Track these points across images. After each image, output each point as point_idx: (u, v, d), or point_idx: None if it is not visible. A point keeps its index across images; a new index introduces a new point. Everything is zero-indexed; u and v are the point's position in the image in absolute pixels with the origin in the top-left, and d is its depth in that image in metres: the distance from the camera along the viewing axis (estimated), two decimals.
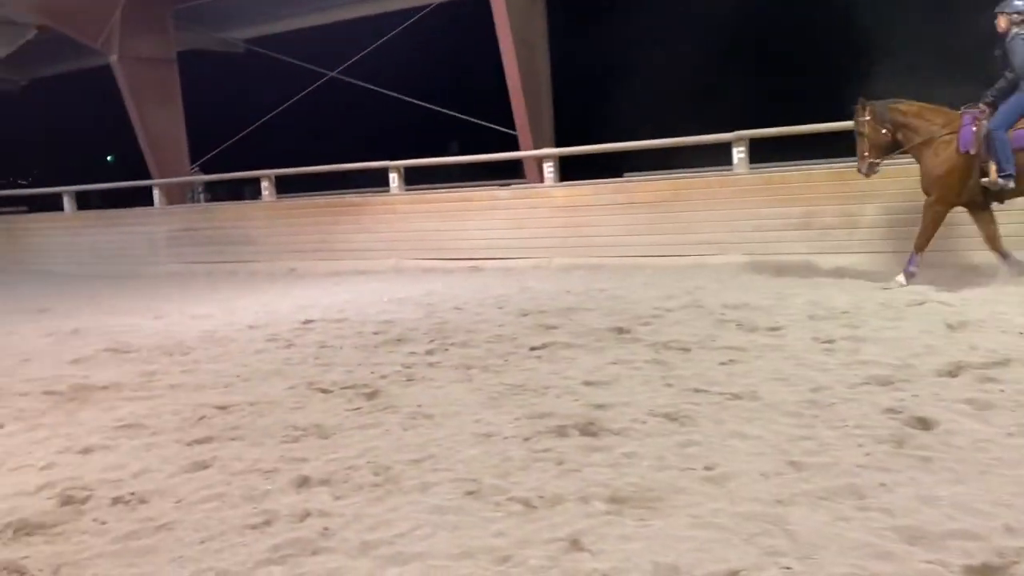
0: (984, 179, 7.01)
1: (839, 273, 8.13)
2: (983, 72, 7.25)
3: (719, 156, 10.20)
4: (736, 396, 4.28)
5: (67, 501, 3.43)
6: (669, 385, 4.59)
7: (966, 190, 7.20)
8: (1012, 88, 6.96)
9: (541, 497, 3.14)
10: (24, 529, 3.16)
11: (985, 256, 7.55)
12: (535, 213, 10.73)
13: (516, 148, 12.37)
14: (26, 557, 2.93)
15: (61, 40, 14.99)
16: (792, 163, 9.95)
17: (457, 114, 13.65)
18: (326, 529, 2.99)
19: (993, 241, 7.33)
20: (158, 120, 14.54)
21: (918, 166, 7.44)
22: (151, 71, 14.43)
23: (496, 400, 4.56)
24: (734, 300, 7.14)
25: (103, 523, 3.21)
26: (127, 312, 9.01)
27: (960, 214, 7.55)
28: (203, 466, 3.76)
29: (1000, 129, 6.89)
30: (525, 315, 7.21)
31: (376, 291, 9.44)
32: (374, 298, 8.91)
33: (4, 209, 16.68)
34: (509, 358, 5.59)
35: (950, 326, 5.63)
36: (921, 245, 7.37)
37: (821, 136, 9.12)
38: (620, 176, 11.39)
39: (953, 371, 4.51)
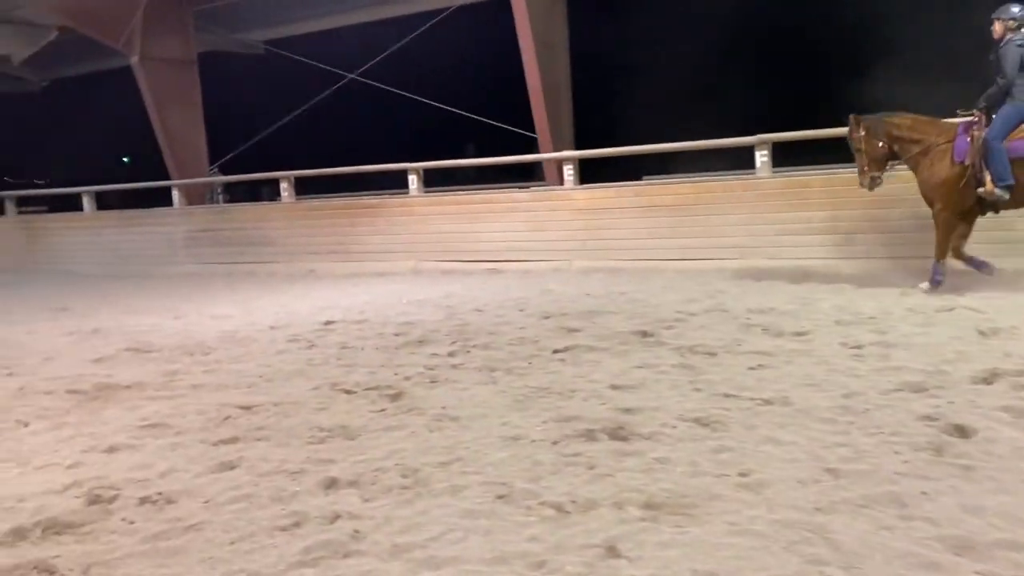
0: (980, 189, 7.02)
1: (863, 278, 8.04)
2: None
3: (740, 160, 10.14)
4: (767, 401, 4.22)
5: (94, 500, 3.41)
6: (698, 390, 4.53)
7: (966, 197, 7.19)
8: (1003, 94, 6.96)
9: (574, 502, 3.09)
10: (53, 528, 3.14)
11: (1013, 262, 7.45)
12: (555, 216, 10.69)
13: (531, 150, 12.36)
14: (56, 556, 2.91)
15: (80, 42, 15.08)
16: (815, 167, 9.86)
17: (476, 116, 13.62)
18: (357, 531, 2.95)
19: (958, 250, 7.37)
20: (178, 121, 14.59)
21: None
22: (171, 72, 14.49)
23: (522, 403, 4.51)
24: (758, 304, 7.06)
25: (131, 523, 3.18)
26: (147, 312, 9.02)
27: (984, 220, 7.46)
28: (230, 466, 3.73)
29: (996, 140, 6.89)
30: (547, 318, 7.16)
31: (395, 293, 9.42)
32: (394, 299, 8.89)
33: (24, 208, 16.77)
34: (532, 360, 5.55)
35: (982, 332, 5.54)
36: (940, 253, 7.36)
37: (844, 140, 9.02)
38: (637, 180, 11.35)
39: (988, 378, 4.43)
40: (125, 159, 23.99)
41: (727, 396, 4.36)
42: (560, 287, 8.98)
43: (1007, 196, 6.90)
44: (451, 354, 5.95)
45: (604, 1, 13.93)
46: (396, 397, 4.81)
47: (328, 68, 15.04)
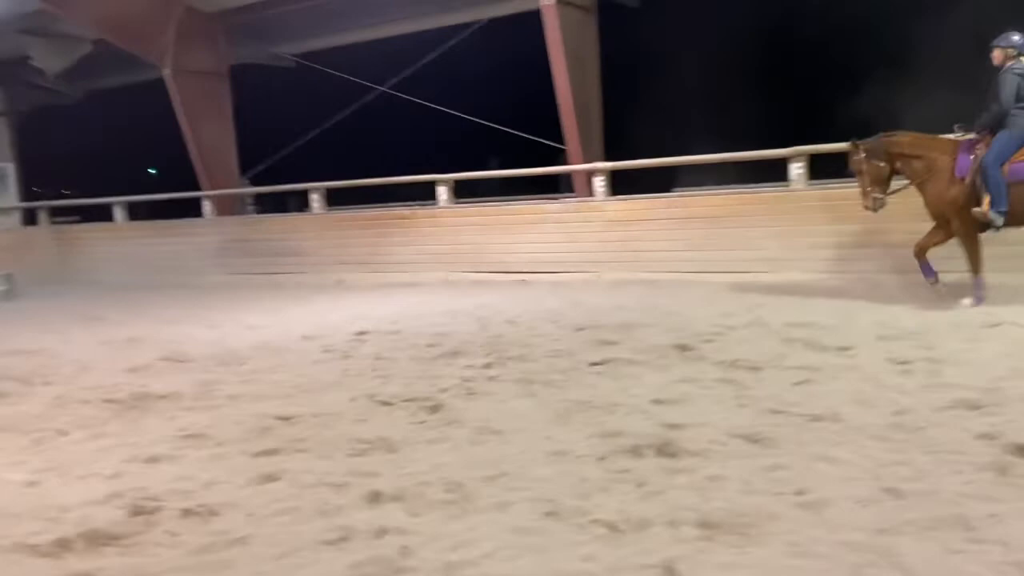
0: (976, 209, 7.02)
1: (902, 292, 7.87)
2: None
3: (773, 173, 10.03)
4: (817, 418, 4.11)
5: (137, 511, 3.38)
6: (743, 405, 4.43)
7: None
8: (997, 121, 6.97)
9: (626, 520, 3.02)
10: (97, 539, 3.11)
11: None
12: (585, 227, 10.61)
13: (555, 162, 12.36)
14: (101, 568, 2.88)
15: (111, 55, 15.25)
16: (852, 180, 9.70)
17: (507, 129, 13.60)
18: (405, 547, 2.90)
19: (923, 248, 7.39)
20: (209, 133, 14.68)
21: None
22: (203, 84, 14.60)
23: (563, 417, 4.44)
24: (797, 318, 6.94)
25: (175, 535, 3.15)
26: (180, 321, 9.05)
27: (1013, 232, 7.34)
28: (272, 478, 3.69)
29: (994, 166, 6.91)
30: (581, 330, 7.08)
31: (426, 303, 9.38)
32: (425, 310, 8.85)
33: (57, 219, 16.96)
34: (570, 373, 5.47)
35: None
36: (976, 268, 7.29)
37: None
38: (668, 192, 11.26)
39: None
40: (151, 170, 24.26)
41: (775, 412, 4.26)
42: (592, 299, 8.89)
43: (1000, 221, 6.96)
44: (487, 366, 5.89)
45: (634, 14, 13.86)
46: (435, 409, 4.76)
47: (358, 80, 15.09)
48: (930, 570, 2.52)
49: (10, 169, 17.44)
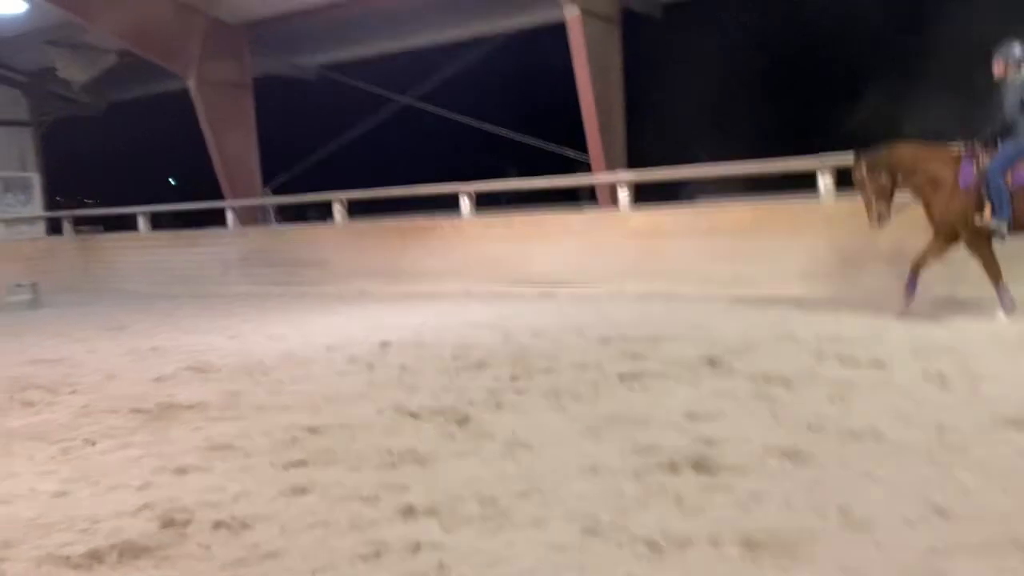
0: (977, 215, 7.04)
1: (933, 306, 7.74)
2: None
3: (801, 184, 9.94)
4: (856, 434, 4.02)
5: (168, 523, 3.34)
6: (779, 421, 4.35)
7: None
8: (1000, 131, 6.99)
9: (667, 538, 2.94)
10: (130, 552, 3.07)
11: None
12: (609, 239, 10.55)
13: (573, 173, 12.36)
14: None
15: (133, 66, 15.40)
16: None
17: (527, 139, 13.59)
18: (442, 564, 2.84)
19: (920, 263, 7.39)
20: (232, 143, 14.79)
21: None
22: (227, 95, 14.73)
23: (595, 431, 4.37)
24: (826, 332, 6.84)
25: (208, 547, 3.11)
26: (203, 331, 9.06)
27: None
28: (303, 491, 3.64)
29: (997, 175, 6.92)
30: (607, 342, 7.02)
31: (448, 314, 9.35)
32: (447, 321, 8.82)
33: (80, 228, 17.11)
34: (599, 387, 5.40)
35: None
36: (995, 276, 7.23)
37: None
38: (690, 202, 11.20)
39: None
40: (172, 180, 24.48)
41: (812, 428, 4.17)
42: (616, 311, 8.83)
43: (1004, 230, 6.95)
44: (513, 378, 5.83)
45: (659, 25, 13.84)
46: (463, 422, 4.70)
47: (380, 91, 15.15)
48: None
49: (35, 179, 17.63)
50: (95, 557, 3.03)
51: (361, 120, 15.70)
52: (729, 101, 13.75)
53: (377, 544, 3.02)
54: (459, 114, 14.72)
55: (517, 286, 11.01)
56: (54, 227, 17.17)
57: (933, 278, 7.66)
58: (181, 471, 4.05)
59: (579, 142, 12.33)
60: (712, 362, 5.89)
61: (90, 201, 22.14)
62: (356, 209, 13.58)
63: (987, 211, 6.98)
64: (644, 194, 11.16)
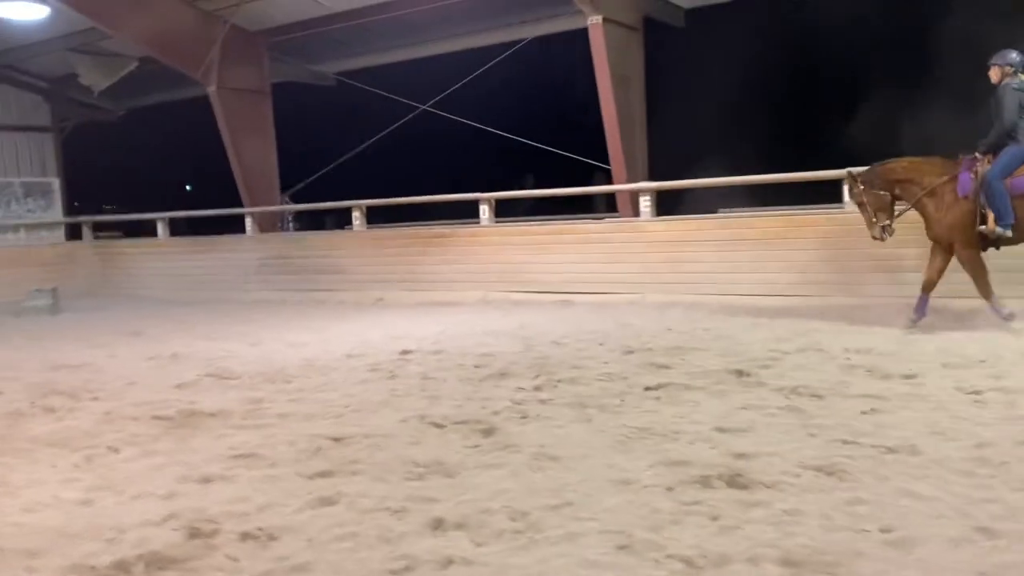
0: (982, 227, 7.03)
1: (962, 318, 7.63)
2: None
3: (824, 194, 9.85)
4: (892, 450, 3.94)
5: (195, 534, 3.30)
6: (812, 435, 4.27)
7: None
8: (1000, 138, 7.00)
9: (704, 556, 2.88)
10: (156, 563, 3.03)
11: None
12: (629, 247, 10.48)
13: (590, 182, 12.29)
14: None
15: (153, 73, 15.46)
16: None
17: (546, 147, 13.52)
18: None
19: (929, 286, 7.39)
20: (251, 150, 14.79)
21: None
22: (247, 102, 14.72)
23: (624, 444, 4.30)
24: (855, 344, 6.75)
25: (235, 559, 3.06)
26: (223, 337, 9.04)
27: None
28: (329, 502, 3.59)
29: (997, 180, 6.92)
30: (630, 352, 6.95)
31: (468, 323, 9.30)
32: (467, 329, 8.77)
33: (100, 234, 17.18)
34: (626, 398, 5.34)
35: None
36: (986, 293, 7.23)
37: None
38: (712, 212, 11.09)
39: None
40: (188, 186, 24.56)
41: (846, 443, 4.09)
42: (638, 320, 8.75)
43: (1009, 234, 6.95)
44: (537, 388, 5.77)
45: (677, 34, 13.76)
46: (488, 432, 4.65)
47: (398, 99, 15.14)
48: None
49: (56, 184, 17.72)
50: (122, 567, 2.99)
51: (379, 127, 15.68)
52: (750, 110, 13.66)
53: (407, 558, 2.97)
54: (478, 122, 14.68)
55: (536, 293, 10.96)
56: (74, 232, 17.24)
57: (958, 289, 7.56)
58: (206, 480, 4.01)
59: (599, 151, 12.26)
60: (739, 373, 5.81)
61: (109, 207, 22.25)
62: (374, 216, 13.58)
63: (990, 219, 6.96)
64: (665, 202, 11.09)
